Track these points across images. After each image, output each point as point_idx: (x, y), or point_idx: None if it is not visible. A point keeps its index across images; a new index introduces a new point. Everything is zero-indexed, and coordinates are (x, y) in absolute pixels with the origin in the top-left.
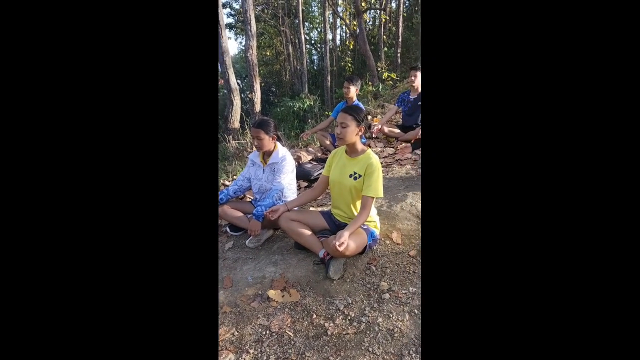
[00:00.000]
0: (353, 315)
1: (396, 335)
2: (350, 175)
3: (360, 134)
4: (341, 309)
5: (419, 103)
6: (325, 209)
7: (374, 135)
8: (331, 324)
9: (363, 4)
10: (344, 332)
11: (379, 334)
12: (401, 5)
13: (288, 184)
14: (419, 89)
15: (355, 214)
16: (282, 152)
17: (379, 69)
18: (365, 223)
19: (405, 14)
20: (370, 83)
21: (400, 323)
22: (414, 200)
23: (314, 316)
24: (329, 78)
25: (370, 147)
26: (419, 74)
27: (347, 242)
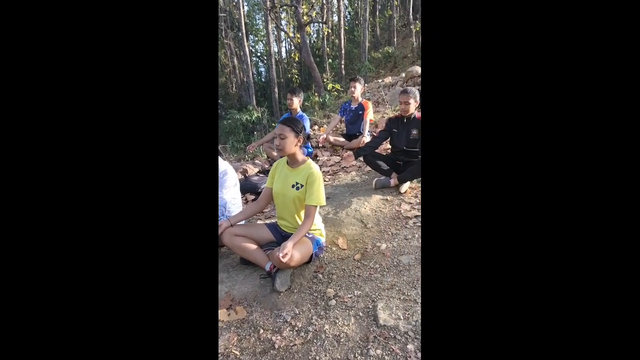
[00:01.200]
0: (300, 325)
1: (342, 340)
2: (293, 186)
3: (299, 144)
4: (288, 320)
5: (360, 112)
6: (274, 220)
7: (320, 145)
8: (278, 337)
9: (305, 17)
10: (292, 344)
11: (326, 342)
12: (342, 19)
13: (232, 198)
14: (359, 99)
15: (300, 223)
16: (222, 166)
17: (324, 80)
18: (310, 232)
19: (346, 27)
20: (316, 94)
21: (346, 327)
22: (358, 206)
23: (261, 331)
24: (276, 90)
25: (317, 156)
26: (357, 84)
27: (290, 252)
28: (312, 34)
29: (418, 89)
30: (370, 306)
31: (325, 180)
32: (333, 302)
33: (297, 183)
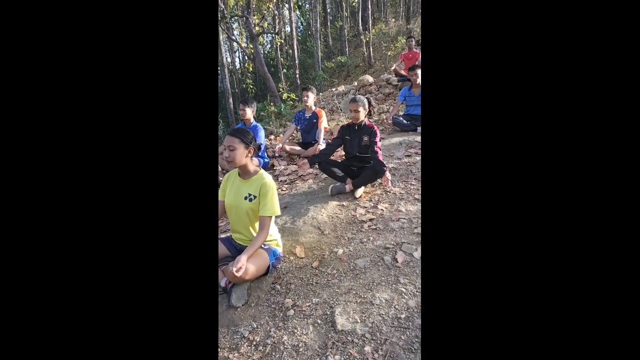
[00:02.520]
0: (258, 339)
1: (301, 349)
2: (246, 198)
3: (250, 155)
4: (246, 335)
5: (314, 120)
6: (228, 234)
7: (276, 154)
8: (236, 354)
9: (257, 28)
10: None
11: (285, 353)
12: (294, 30)
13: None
14: (313, 108)
15: (255, 235)
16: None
17: (279, 90)
18: (266, 242)
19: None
20: (272, 103)
21: (305, 336)
22: (315, 213)
23: (218, 350)
24: (230, 100)
25: (274, 166)
26: (310, 94)
27: (245, 266)
28: (265, 44)
29: (367, 97)
30: (328, 312)
31: (282, 190)
32: (291, 312)
33: (249, 194)
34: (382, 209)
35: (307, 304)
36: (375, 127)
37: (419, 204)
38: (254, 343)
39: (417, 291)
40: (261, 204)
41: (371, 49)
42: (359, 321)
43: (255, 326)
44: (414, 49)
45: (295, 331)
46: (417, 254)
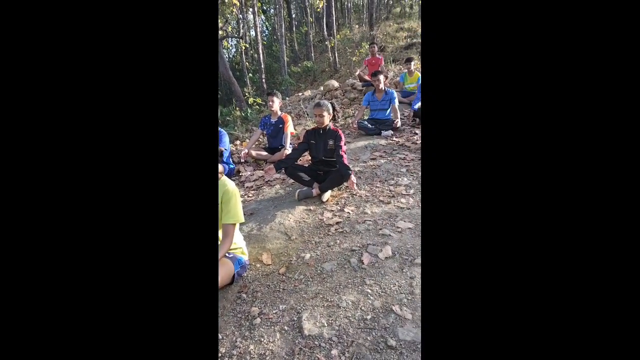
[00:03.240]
0: (224, 351)
1: (268, 358)
2: None
3: None
4: None
5: (280, 125)
6: None
7: (242, 160)
8: None
9: (220, 32)
10: None
11: None
12: (259, 34)
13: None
14: (278, 112)
15: (219, 244)
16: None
17: (245, 94)
18: (231, 251)
19: (265, 42)
20: (237, 108)
21: (272, 344)
22: (282, 219)
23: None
24: None
25: (240, 172)
26: (275, 98)
27: None
28: (230, 48)
29: (331, 102)
30: (295, 318)
31: (249, 196)
32: (258, 320)
33: None
34: (348, 212)
35: (274, 312)
36: (340, 131)
37: (384, 206)
38: (219, 355)
39: (382, 292)
40: (224, 211)
41: (336, 55)
42: (325, 325)
43: (220, 337)
44: (377, 55)
45: (262, 340)
46: (382, 255)
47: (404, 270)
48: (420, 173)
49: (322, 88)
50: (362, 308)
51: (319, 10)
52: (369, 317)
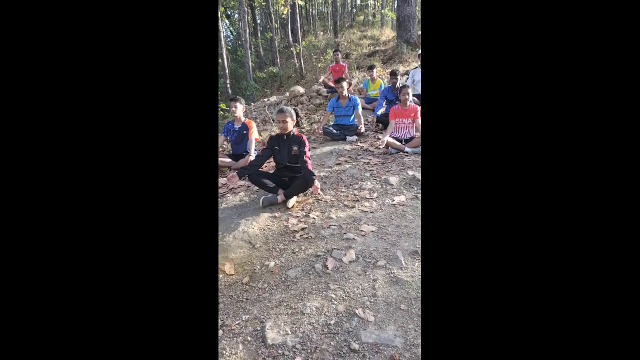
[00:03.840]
0: None
1: None
2: None
3: None
4: None
5: (244, 132)
6: None
7: None
8: None
9: None
10: None
11: None
12: (222, 39)
13: None
14: (242, 118)
15: None
16: None
17: None
18: None
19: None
20: None
21: (234, 356)
22: (245, 227)
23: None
24: None
25: None
26: (238, 104)
27: None
28: None
29: (294, 108)
30: (259, 328)
31: None
32: (220, 332)
33: None
34: (313, 218)
35: (237, 322)
36: (304, 137)
37: (349, 210)
38: None
39: (346, 296)
40: None
41: (302, 61)
42: (289, 333)
43: None
44: (341, 62)
45: (224, 352)
46: (346, 259)
47: (367, 273)
48: (383, 177)
49: (287, 94)
50: (326, 313)
51: (283, 16)
52: (332, 321)
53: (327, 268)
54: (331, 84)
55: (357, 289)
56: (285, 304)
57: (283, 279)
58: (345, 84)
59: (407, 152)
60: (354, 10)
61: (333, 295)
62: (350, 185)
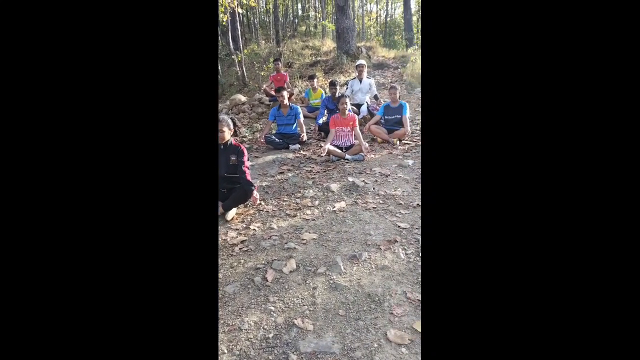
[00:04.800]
0: None
1: None
2: None
3: None
4: None
5: None
6: None
7: None
8: None
9: None
10: None
11: None
12: None
13: None
14: None
15: None
16: None
17: None
18: None
19: None
20: None
21: None
22: None
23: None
24: None
25: None
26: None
27: None
28: None
29: (231, 117)
30: None
31: None
32: None
33: None
34: (254, 229)
35: None
36: (243, 147)
37: (290, 219)
38: None
39: (285, 307)
40: None
41: (244, 69)
42: (226, 352)
43: None
44: (282, 71)
45: None
46: (287, 269)
47: (307, 282)
48: (325, 184)
49: (228, 102)
50: (265, 327)
51: (224, 24)
52: (271, 335)
53: (267, 280)
54: (273, 93)
55: (297, 299)
56: (221, 321)
57: (220, 295)
58: (285, 93)
59: (347, 159)
60: (296, 21)
61: (272, 308)
62: (292, 194)
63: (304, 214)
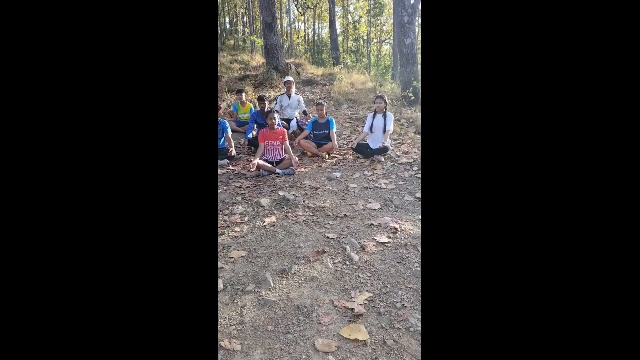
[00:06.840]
0: None
1: None
2: None
3: None
4: None
5: None
6: None
7: None
8: None
9: None
10: None
11: None
12: None
13: None
14: None
15: None
16: None
17: None
18: None
19: None
20: None
21: None
22: None
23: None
24: None
25: None
26: None
27: None
28: None
29: None
30: None
31: None
32: None
33: None
34: None
35: None
36: None
37: (218, 238)
38: None
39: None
40: None
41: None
42: None
43: None
44: None
45: None
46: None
47: (235, 302)
48: (255, 200)
49: None
50: None
51: None
52: None
53: None
54: None
55: (224, 320)
56: None
57: None
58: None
59: (278, 174)
60: (224, 34)
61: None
62: (220, 211)
63: (232, 231)
